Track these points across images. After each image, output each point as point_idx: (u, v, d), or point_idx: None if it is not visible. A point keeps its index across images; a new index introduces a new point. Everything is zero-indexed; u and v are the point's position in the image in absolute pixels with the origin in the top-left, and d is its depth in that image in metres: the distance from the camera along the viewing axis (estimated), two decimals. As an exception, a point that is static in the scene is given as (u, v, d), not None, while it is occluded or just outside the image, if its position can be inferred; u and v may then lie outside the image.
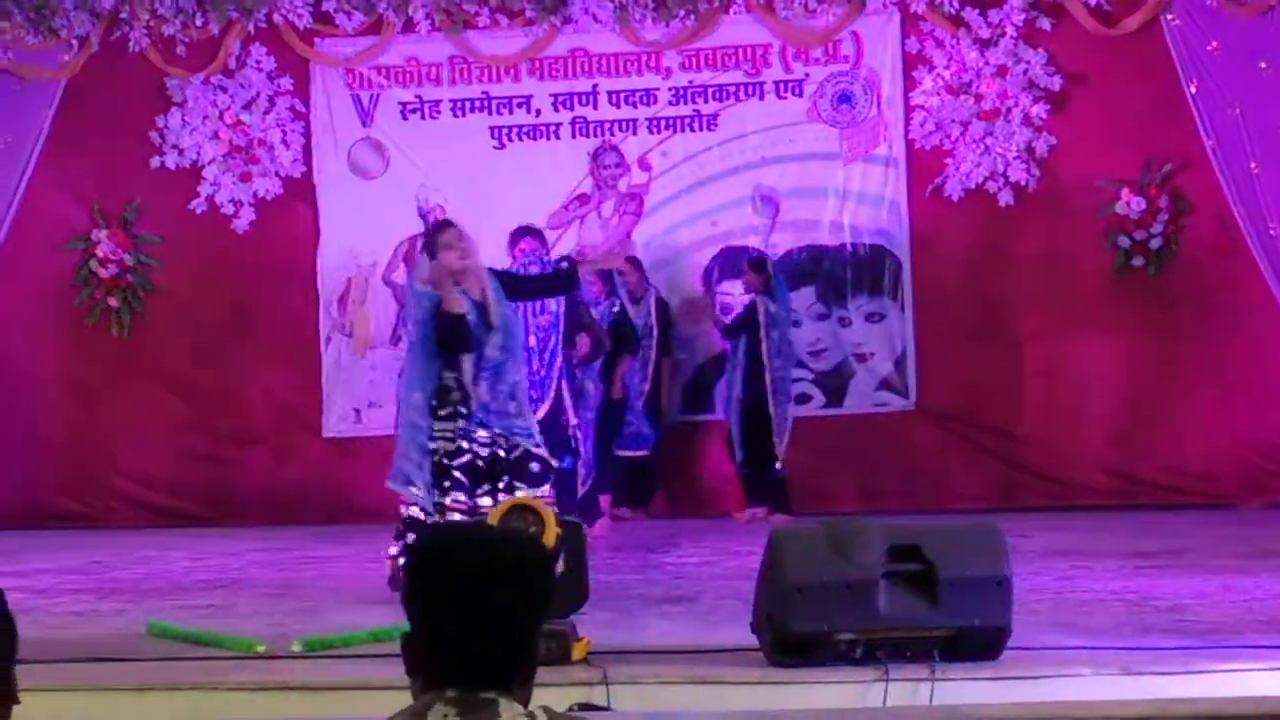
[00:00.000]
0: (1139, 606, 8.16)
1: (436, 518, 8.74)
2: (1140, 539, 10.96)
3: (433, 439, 8.87)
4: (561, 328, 11.50)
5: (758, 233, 13.67)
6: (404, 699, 2.84)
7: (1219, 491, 13.00)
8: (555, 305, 11.34)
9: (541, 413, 10.79)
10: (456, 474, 8.83)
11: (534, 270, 11.10)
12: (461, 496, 8.81)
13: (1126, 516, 12.36)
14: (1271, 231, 12.63)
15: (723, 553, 10.85)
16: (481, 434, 8.93)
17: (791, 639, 6.35)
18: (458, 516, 8.67)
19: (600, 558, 9.43)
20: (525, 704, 2.79)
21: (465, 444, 8.90)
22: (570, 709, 2.77)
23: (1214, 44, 12.62)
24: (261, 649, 7.15)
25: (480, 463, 8.90)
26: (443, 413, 8.91)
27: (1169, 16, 12.82)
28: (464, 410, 8.92)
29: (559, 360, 11.43)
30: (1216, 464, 13.08)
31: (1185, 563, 9.74)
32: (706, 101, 13.75)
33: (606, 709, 5.86)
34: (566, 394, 11.59)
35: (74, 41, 13.56)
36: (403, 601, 2.80)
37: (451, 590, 2.75)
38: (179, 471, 13.87)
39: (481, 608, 2.73)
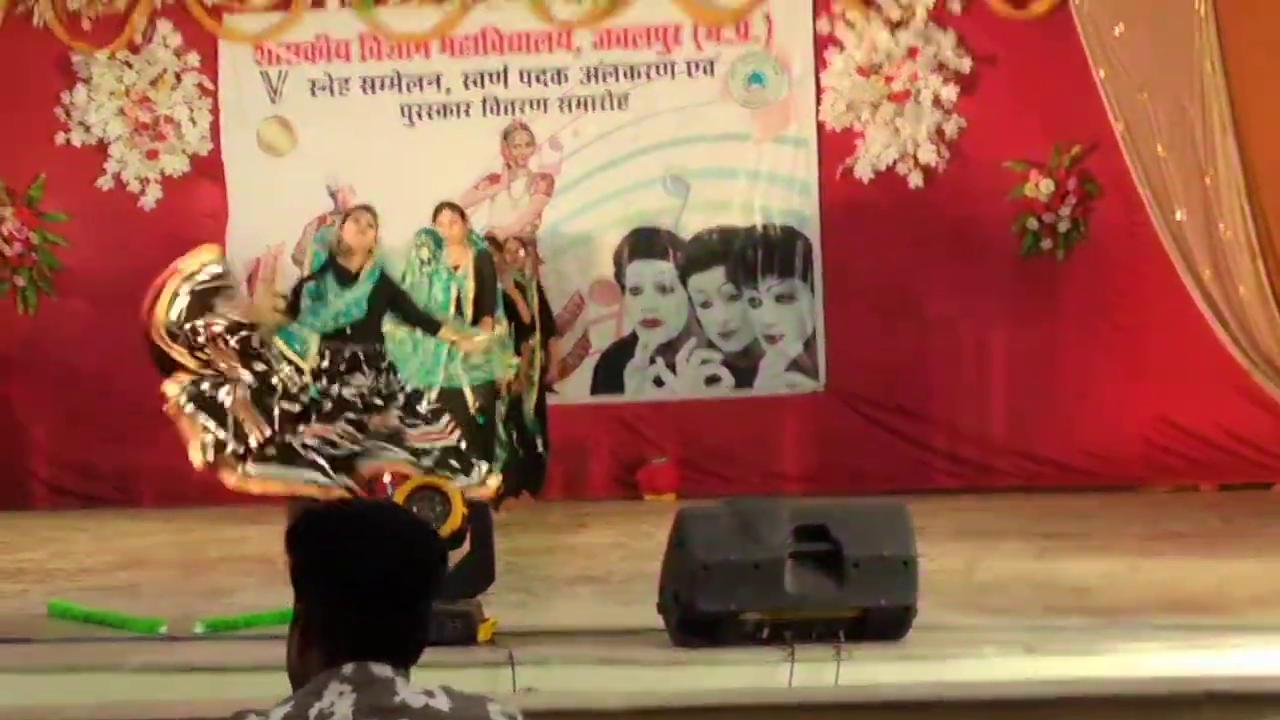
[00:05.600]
0: (1044, 588, 8.21)
1: None
2: (1046, 520, 11.03)
3: None
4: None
5: (669, 213, 13.65)
6: (305, 681, 2.81)
7: (1125, 474, 13.08)
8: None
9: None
10: None
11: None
12: None
13: (1033, 498, 12.43)
14: (1178, 215, 12.73)
15: (632, 534, 10.84)
16: None
17: (697, 619, 6.35)
18: None
19: (508, 539, 9.40)
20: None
21: None
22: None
23: (1121, 27, 12.70)
24: (164, 629, 7.09)
25: None
26: None
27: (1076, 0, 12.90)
28: None
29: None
30: (1122, 446, 13.15)
31: (1091, 544, 9.82)
32: (618, 80, 13.70)
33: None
34: None
35: (-23, 16, 13.39)
36: (291, 579, 2.77)
37: (334, 568, 2.72)
38: (89, 453, 13.66)
39: (365, 586, 2.70)
